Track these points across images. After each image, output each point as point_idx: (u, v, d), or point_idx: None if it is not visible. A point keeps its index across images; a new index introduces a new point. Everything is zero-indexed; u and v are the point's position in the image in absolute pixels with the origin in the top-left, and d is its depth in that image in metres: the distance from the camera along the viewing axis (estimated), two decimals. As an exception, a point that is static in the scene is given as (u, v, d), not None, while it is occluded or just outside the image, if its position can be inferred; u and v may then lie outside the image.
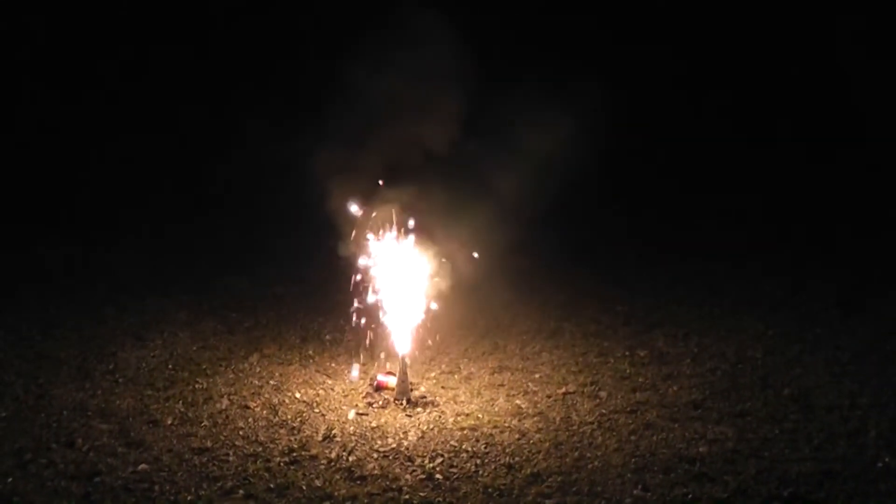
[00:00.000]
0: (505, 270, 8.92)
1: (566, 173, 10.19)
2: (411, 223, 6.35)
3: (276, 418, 5.92)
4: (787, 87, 13.39)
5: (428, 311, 6.55)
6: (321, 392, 6.46)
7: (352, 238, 6.38)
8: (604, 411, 6.04)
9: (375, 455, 5.32)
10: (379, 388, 6.45)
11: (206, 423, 5.84)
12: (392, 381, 6.41)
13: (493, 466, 5.16)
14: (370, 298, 6.47)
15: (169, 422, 5.84)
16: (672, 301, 8.90)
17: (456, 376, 6.84)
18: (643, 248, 10.99)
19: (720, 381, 6.61)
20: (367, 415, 6.02)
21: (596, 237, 11.40)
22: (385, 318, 6.47)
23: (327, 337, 7.72)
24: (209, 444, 5.48)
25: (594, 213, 12.18)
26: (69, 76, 13.40)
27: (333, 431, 5.68)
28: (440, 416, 5.97)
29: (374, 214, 6.32)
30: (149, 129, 13.11)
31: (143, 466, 5.12)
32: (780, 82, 13.50)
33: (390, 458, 5.29)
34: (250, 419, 5.90)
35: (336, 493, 4.83)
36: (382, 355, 6.70)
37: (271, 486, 4.92)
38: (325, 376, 6.79)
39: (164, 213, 12.15)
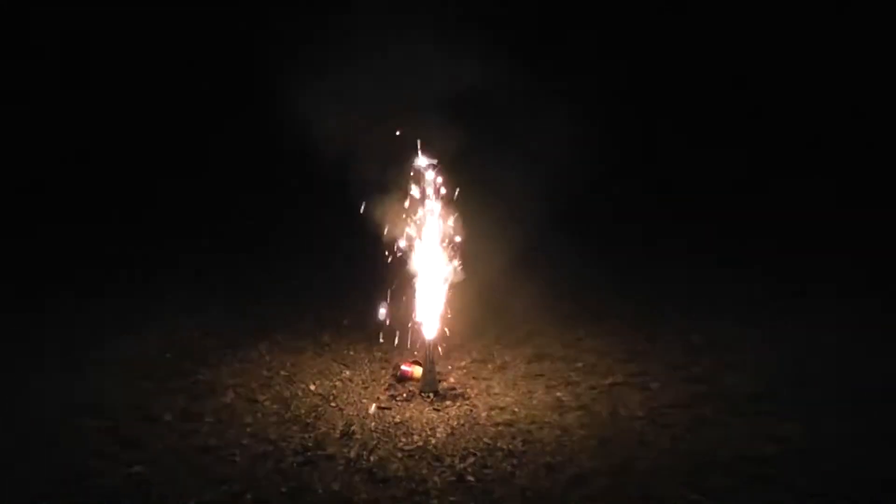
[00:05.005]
0: (542, 250, 8.97)
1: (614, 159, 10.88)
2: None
3: (288, 413, 5.80)
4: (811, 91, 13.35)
5: (458, 290, 6.42)
6: (338, 384, 6.35)
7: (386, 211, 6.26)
8: (655, 405, 5.88)
9: (399, 454, 5.17)
10: (403, 378, 6.36)
11: (209, 418, 5.72)
12: (417, 371, 6.30)
13: (531, 467, 4.98)
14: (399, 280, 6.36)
15: (168, 418, 5.72)
16: (730, 281, 8.79)
17: (489, 365, 6.74)
18: (697, 228, 10.94)
19: (787, 371, 6.42)
20: (389, 409, 5.89)
21: (642, 219, 11.45)
22: (414, 298, 6.33)
23: (345, 322, 7.65)
24: (213, 442, 5.34)
25: (641, 198, 12.19)
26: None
27: (352, 428, 5.55)
28: (471, 411, 5.83)
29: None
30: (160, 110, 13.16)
31: (138, 468, 4.97)
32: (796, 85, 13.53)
33: (416, 457, 5.14)
34: (259, 414, 5.78)
35: (356, 498, 4.66)
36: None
37: (283, 489, 4.76)
38: (342, 366, 6.70)
39: (168, 188, 12.17)
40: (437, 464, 5.04)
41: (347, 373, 6.55)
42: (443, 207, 6.17)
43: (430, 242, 6.17)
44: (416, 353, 6.56)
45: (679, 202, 11.78)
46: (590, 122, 9.28)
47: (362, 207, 6.21)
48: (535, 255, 8.70)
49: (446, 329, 6.49)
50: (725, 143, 12.75)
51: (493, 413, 5.78)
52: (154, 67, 13.02)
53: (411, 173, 6.13)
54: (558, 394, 6.13)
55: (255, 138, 12.08)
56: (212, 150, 12.48)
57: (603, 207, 11.39)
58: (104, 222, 10.78)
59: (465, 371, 6.58)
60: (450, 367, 6.63)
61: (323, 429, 5.55)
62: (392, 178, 6.19)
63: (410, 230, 6.18)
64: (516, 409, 5.82)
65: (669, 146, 12.82)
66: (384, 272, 6.39)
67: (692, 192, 11.97)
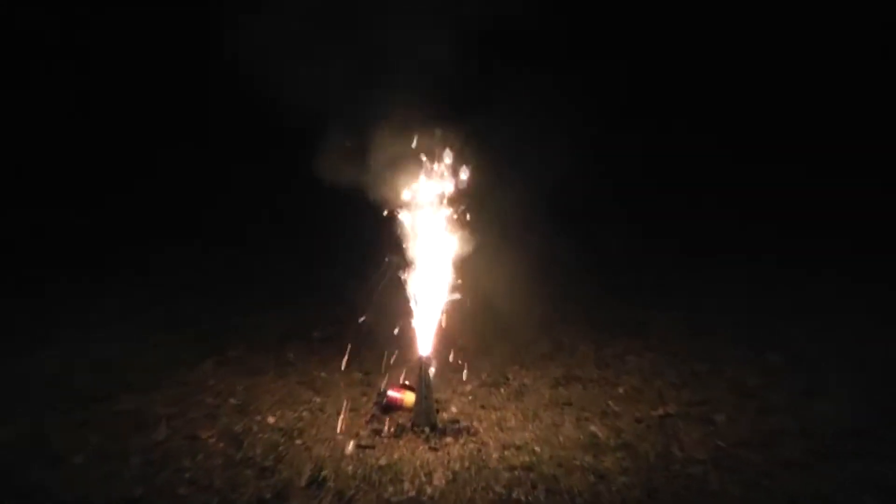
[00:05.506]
0: (559, 248, 8.93)
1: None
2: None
3: (240, 454, 5.48)
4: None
5: (463, 294, 6.17)
6: (305, 414, 6.08)
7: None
8: (721, 443, 5.57)
9: (385, 508, 4.83)
10: (390, 407, 6.09)
11: (135, 459, 5.38)
12: (409, 398, 6.05)
13: (558, 525, 4.63)
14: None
15: (80, 459, 5.38)
16: (802, 286, 8.74)
17: (502, 390, 6.52)
18: (754, 227, 11.27)
19: (886, 399, 6.17)
20: (372, 448, 5.57)
21: (684, 218, 11.87)
22: (406, 303, 6.11)
23: (316, 333, 7.45)
24: (140, 491, 5.00)
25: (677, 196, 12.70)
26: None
27: (323, 473, 5.22)
28: (479, 450, 5.53)
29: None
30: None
31: (37, 528, 4.61)
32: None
33: (407, 512, 4.81)
34: (200, 455, 5.45)
35: (327, 567, 4.32)
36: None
37: (231, 556, 4.43)
38: (311, 391, 6.46)
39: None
40: (435, 520, 4.72)
41: (318, 400, 6.30)
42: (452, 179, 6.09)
43: (429, 230, 6.03)
44: (407, 374, 6.35)
45: (729, 197, 12.26)
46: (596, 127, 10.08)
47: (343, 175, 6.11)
48: (551, 253, 8.72)
49: (447, 342, 6.37)
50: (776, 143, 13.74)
51: (507, 453, 5.48)
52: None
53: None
54: (592, 428, 5.87)
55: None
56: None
57: (626, 204, 11.85)
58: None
59: (471, 398, 6.33)
60: (451, 393, 6.39)
61: (285, 474, 5.23)
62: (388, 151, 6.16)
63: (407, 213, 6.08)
64: (537, 449, 5.54)
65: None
66: (370, 266, 6.25)
67: (744, 188, 12.48)
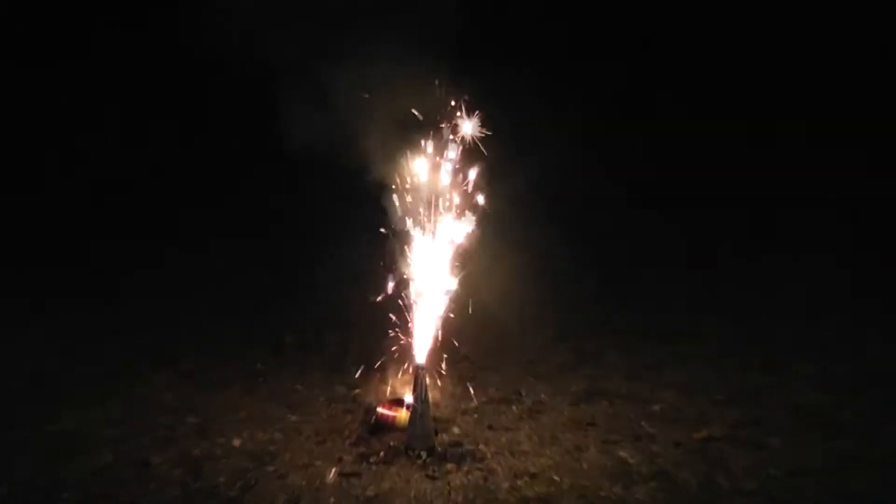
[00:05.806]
0: (590, 238, 9.09)
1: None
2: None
3: (200, 483, 5.32)
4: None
5: (469, 293, 6.08)
6: (278, 436, 5.95)
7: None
8: (776, 472, 5.43)
9: (373, 548, 4.71)
10: (380, 426, 5.99)
11: (72, 491, 5.20)
12: (402, 416, 5.95)
13: (579, 568, 4.53)
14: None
15: (4, 490, 5.22)
16: (868, 288, 8.69)
17: (514, 408, 6.41)
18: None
19: None
20: (358, 476, 5.43)
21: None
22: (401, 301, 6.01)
23: (289, 339, 7.39)
24: (81, 527, 4.85)
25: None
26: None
27: None
28: (487, 479, 5.40)
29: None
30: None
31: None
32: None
33: (399, 553, 4.69)
34: (152, 486, 5.29)
35: None
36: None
37: None
38: (285, 408, 6.34)
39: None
40: (433, 563, 4.61)
41: (293, 419, 6.19)
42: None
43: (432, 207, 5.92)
44: (400, 387, 6.27)
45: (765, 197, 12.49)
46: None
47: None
48: (565, 251, 8.81)
49: (448, 350, 6.25)
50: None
51: (520, 483, 5.35)
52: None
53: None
54: (622, 453, 5.74)
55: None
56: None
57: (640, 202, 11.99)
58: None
59: (476, 416, 6.23)
60: (453, 411, 6.28)
61: (254, 507, 5.05)
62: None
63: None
64: (556, 477, 5.41)
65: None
66: (359, 261, 6.27)
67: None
